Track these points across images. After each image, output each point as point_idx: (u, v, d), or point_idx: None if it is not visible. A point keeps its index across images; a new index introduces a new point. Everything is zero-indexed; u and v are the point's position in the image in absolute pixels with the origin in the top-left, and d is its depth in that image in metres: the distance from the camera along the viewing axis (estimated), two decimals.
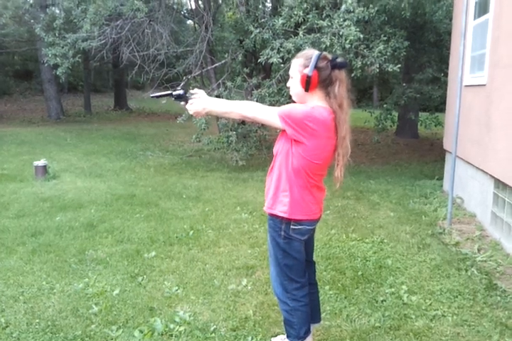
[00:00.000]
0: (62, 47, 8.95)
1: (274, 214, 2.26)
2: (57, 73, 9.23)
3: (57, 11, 9.94)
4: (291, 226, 2.24)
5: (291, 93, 2.26)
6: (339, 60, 2.17)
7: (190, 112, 2.29)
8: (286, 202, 2.22)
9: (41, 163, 7.01)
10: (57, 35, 9.27)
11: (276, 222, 2.26)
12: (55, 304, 3.15)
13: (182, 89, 2.33)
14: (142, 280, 3.54)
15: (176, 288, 3.40)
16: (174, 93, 2.30)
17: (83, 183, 6.81)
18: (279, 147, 2.25)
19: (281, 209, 2.23)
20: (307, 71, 2.10)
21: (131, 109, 21.85)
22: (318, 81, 2.12)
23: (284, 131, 2.16)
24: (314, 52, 2.14)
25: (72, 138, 12.14)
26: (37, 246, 4.22)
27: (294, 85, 2.21)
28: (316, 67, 2.10)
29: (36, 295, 3.28)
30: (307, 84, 2.11)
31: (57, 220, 5.00)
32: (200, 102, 2.25)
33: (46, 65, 9.71)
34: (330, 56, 2.17)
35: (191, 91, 2.32)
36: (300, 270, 2.36)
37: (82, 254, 4.04)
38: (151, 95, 2.46)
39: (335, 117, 2.15)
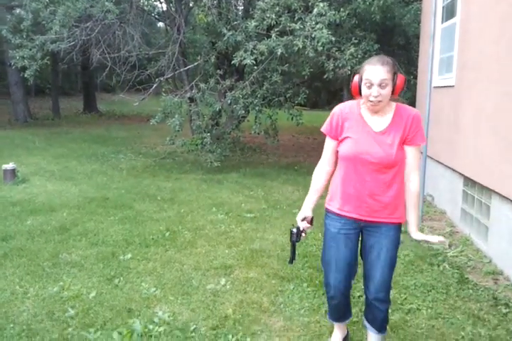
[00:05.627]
0: (30, 50, 8.75)
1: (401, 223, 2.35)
2: (26, 75, 9.02)
3: (24, 13, 9.69)
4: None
5: (382, 100, 2.13)
6: None
7: None
8: (403, 208, 2.34)
9: (10, 166, 6.84)
10: (24, 37, 9.07)
11: (399, 231, 2.36)
12: (29, 308, 3.09)
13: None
14: (119, 282, 3.50)
15: (154, 289, 3.38)
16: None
17: (54, 186, 6.68)
18: (397, 154, 2.22)
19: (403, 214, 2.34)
20: (400, 74, 2.17)
21: (101, 112, 21.49)
22: None
23: (410, 141, 2.22)
24: (387, 57, 2.17)
25: (41, 141, 11.88)
26: (8, 250, 4.12)
27: (389, 91, 2.12)
28: None
29: (9, 300, 3.20)
30: (405, 84, 2.20)
31: (28, 224, 4.90)
32: None
33: (13, 67, 9.48)
34: None
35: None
36: None
37: (55, 258, 3.97)
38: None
39: None
